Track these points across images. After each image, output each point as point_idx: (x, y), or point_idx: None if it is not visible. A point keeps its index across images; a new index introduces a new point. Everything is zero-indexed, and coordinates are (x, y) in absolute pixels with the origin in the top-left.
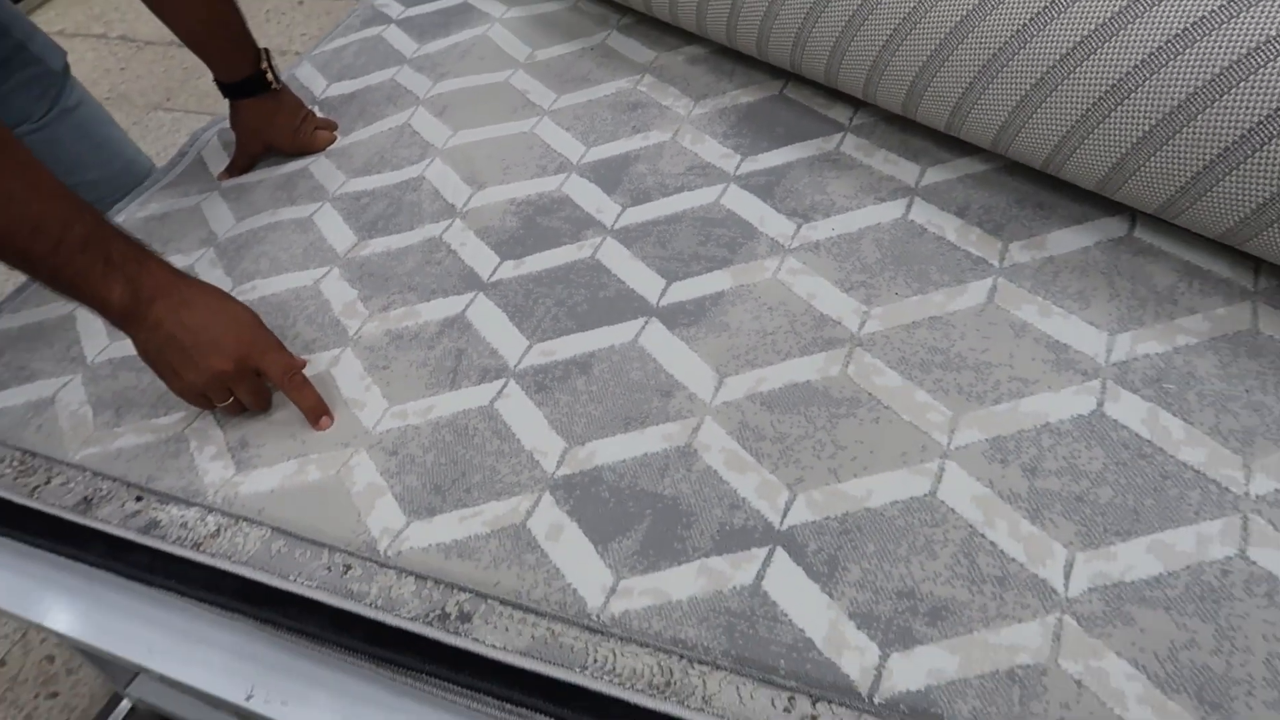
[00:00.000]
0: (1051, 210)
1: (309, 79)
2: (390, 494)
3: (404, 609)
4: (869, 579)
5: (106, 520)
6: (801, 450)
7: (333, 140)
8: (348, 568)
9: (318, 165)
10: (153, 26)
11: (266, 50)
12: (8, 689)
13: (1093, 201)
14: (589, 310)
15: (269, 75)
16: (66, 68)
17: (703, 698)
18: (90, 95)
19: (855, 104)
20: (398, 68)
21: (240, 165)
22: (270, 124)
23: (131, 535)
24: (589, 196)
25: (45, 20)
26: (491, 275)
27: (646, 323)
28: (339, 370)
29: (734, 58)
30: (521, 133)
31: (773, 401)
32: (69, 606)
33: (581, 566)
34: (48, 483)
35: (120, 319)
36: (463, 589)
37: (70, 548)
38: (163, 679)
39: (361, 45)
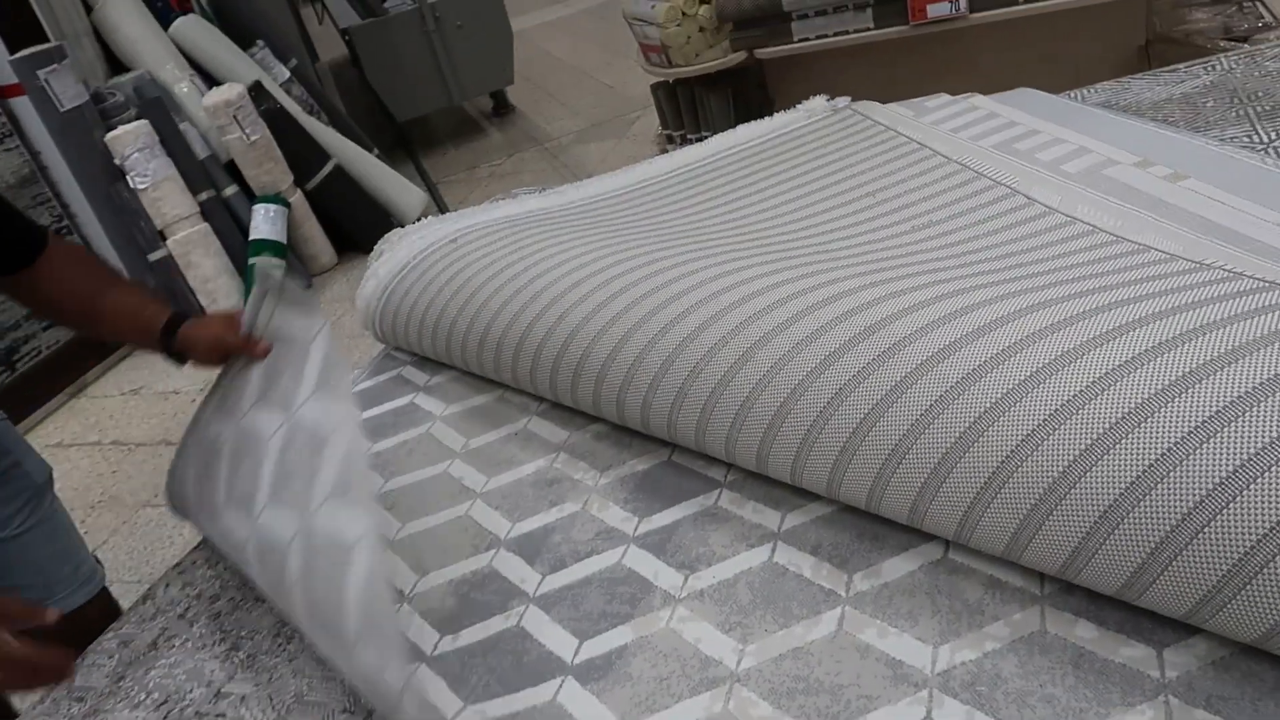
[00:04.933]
0: (884, 541)
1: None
2: None
3: None
4: None
5: None
6: None
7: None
8: None
9: None
10: (143, 430)
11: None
12: None
13: (915, 531)
14: (515, 675)
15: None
16: (50, 481)
17: None
18: (61, 504)
19: (727, 463)
20: None
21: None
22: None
23: None
24: (514, 569)
25: (44, 433)
26: (433, 650)
27: (563, 682)
28: None
29: (631, 431)
30: (458, 516)
31: None
32: None
33: None
34: None
35: None
36: None
37: None
38: None
39: None
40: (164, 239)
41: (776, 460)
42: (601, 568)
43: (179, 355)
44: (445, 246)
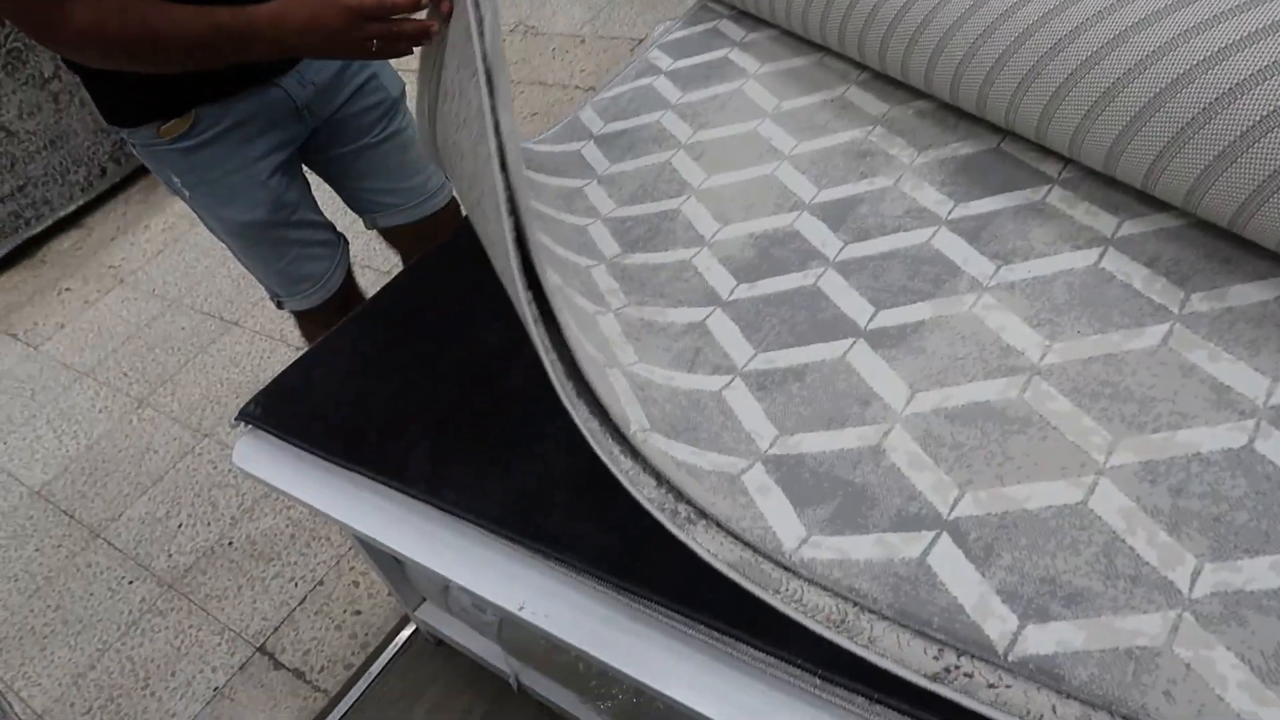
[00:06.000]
0: (1237, 266)
1: (589, 120)
2: (639, 404)
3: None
4: (1018, 565)
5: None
6: (974, 458)
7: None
8: None
9: (591, 189)
10: None
11: None
12: (324, 603)
13: (1278, 259)
14: (807, 329)
15: None
16: (402, 95)
17: (869, 638)
18: (412, 119)
19: (1066, 159)
20: (663, 112)
21: None
22: None
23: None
24: (816, 233)
25: None
26: (729, 295)
27: (854, 343)
28: (602, 320)
29: (959, 112)
30: (764, 175)
31: (955, 416)
32: (392, 527)
33: (781, 518)
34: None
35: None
36: (689, 501)
37: (396, 481)
38: (446, 589)
39: (635, 93)
40: None
41: (1132, 158)
42: (907, 245)
43: None
44: None
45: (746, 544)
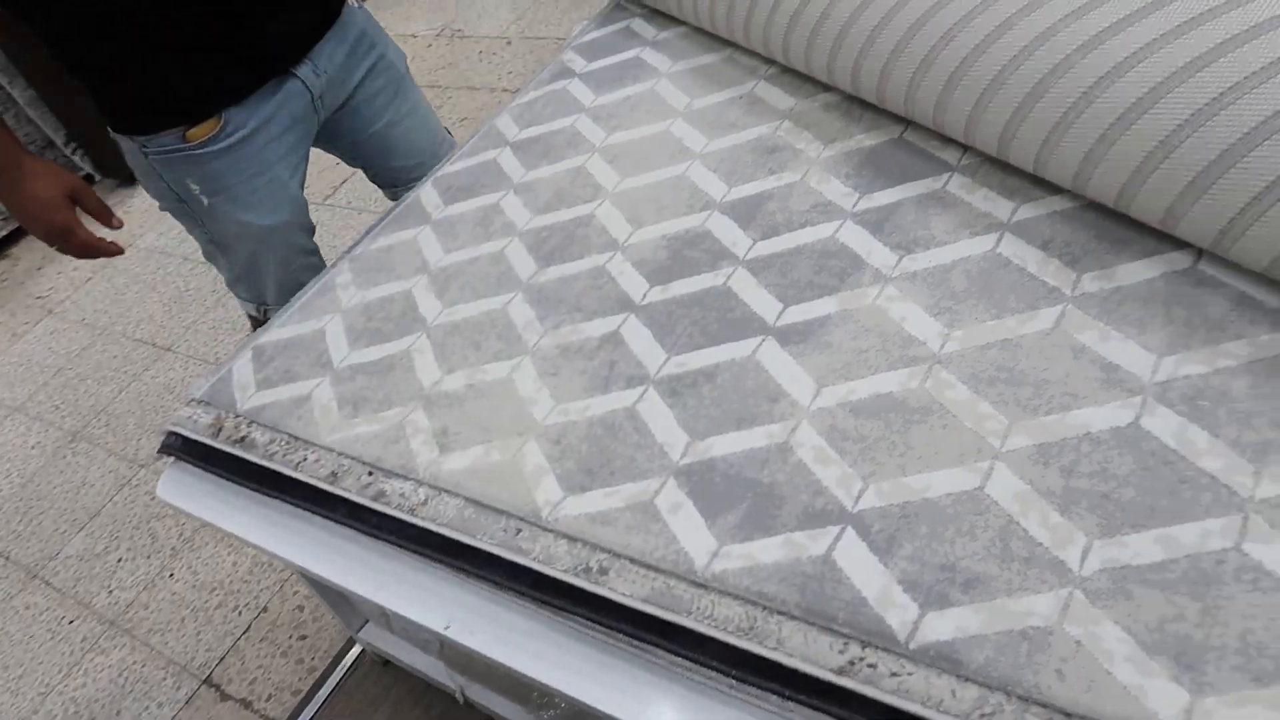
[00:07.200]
0: (1126, 245)
1: (505, 127)
2: (552, 474)
3: (559, 563)
4: (918, 554)
5: (348, 489)
6: (878, 450)
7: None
8: (519, 530)
9: (508, 201)
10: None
11: None
12: (269, 630)
13: (1164, 237)
14: (718, 329)
15: None
16: (406, 67)
17: (777, 640)
18: (416, 86)
19: (964, 145)
20: (577, 116)
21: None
22: None
23: (365, 501)
24: (727, 231)
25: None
26: (642, 299)
27: (763, 341)
28: (519, 375)
29: (863, 104)
30: (675, 176)
31: (859, 409)
32: (320, 554)
33: (693, 535)
34: (305, 459)
35: None
36: (603, 549)
37: (322, 509)
38: (385, 611)
39: (550, 97)
40: None
41: (1022, 143)
42: (814, 239)
43: None
44: None
45: (660, 572)
